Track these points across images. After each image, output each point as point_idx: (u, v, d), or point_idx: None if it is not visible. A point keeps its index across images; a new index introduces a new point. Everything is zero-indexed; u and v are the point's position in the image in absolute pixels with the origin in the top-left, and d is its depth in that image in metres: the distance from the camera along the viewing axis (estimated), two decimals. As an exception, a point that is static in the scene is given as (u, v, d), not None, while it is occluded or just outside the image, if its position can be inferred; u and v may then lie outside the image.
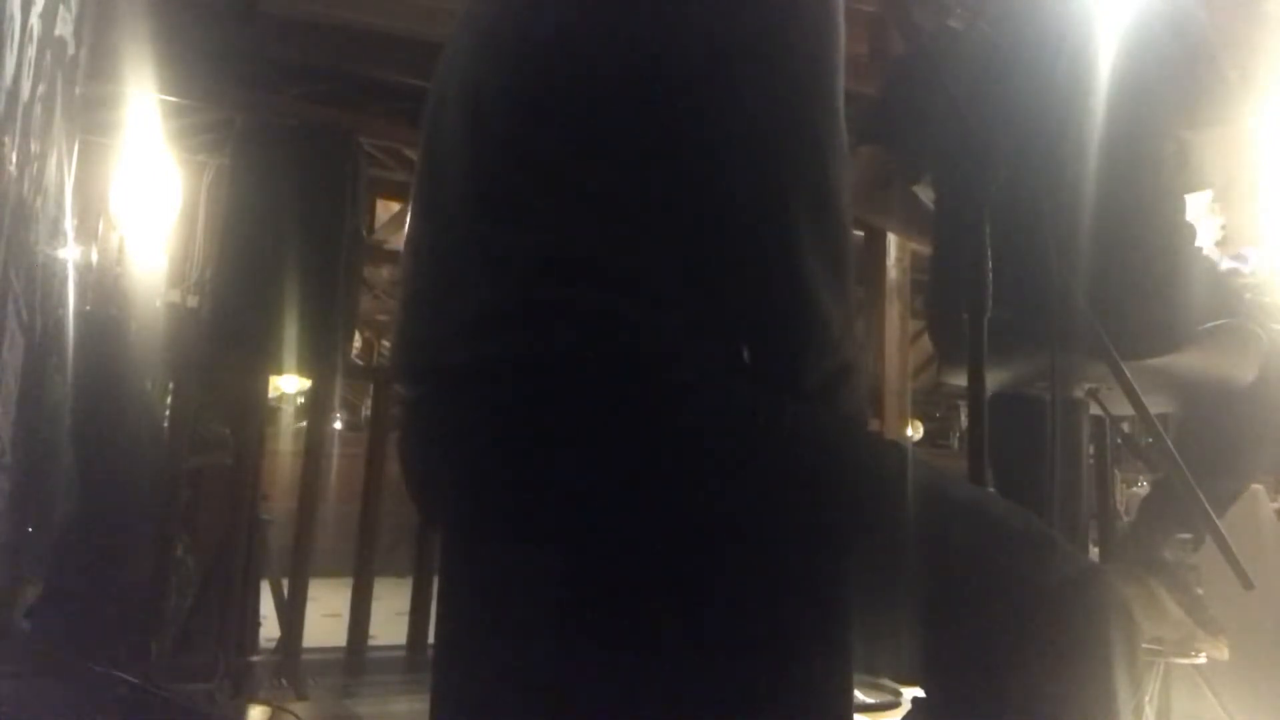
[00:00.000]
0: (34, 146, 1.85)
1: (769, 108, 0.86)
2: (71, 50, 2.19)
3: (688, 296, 0.83)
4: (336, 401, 6.17)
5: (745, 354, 0.84)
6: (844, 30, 0.90)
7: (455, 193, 0.93)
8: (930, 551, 0.82)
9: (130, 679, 2.16)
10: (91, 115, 3.34)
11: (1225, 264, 2.22)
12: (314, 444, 3.44)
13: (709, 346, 0.83)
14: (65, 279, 2.58)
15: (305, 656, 3.09)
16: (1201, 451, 1.66)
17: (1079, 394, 1.65)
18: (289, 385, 3.77)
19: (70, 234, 2.62)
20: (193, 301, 4.09)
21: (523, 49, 0.91)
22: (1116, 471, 2.31)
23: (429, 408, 0.94)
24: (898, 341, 4.02)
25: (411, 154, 3.97)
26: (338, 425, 5.66)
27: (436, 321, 0.92)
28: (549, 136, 0.86)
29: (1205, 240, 2.15)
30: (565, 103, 0.87)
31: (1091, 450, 1.79)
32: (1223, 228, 2.23)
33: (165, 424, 3.10)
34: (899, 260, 4.07)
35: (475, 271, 0.88)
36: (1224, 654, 1.68)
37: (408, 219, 1.05)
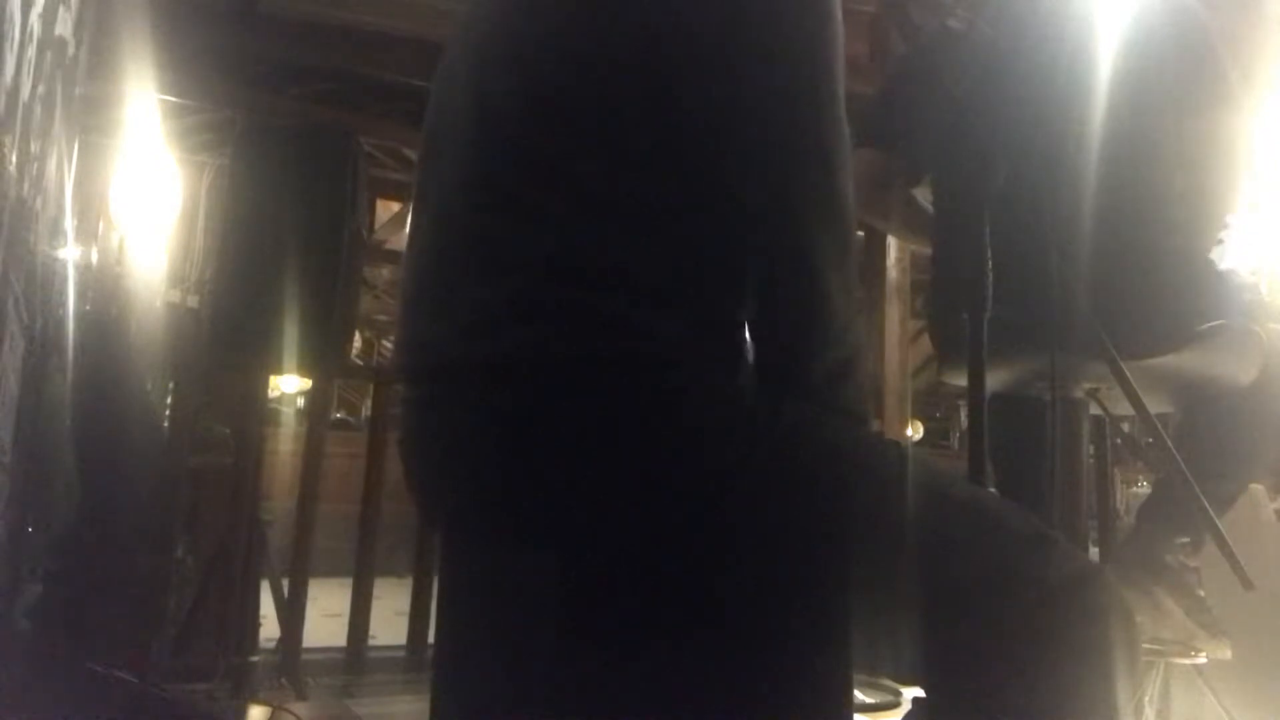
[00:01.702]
0: (34, 146, 1.85)
1: (771, 103, 0.87)
2: (71, 50, 2.19)
3: (691, 296, 0.83)
4: (335, 401, 6.17)
5: (750, 348, 0.84)
6: (842, 27, 0.91)
7: (458, 193, 0.93)
8: (930, 551, 0.82)
9: (130, 679, 2.16)
10: (91, 115, 3.34)
11: (1225, 263, 2.22)
12: (314, 444, 3.44)
13: (711, 346, 0.83)
14: (65, 279, 2.58)
15: (305, 656, 3.09)
16: (1201, 452, 1.66)
17: (1079, 394, 1.65)
18: (289, 385, 3.77)
19: (70, 234, 2.62)
20: (193, 301, 4.09)
21: (526, 51, 0.91)
22: (1116, 471, 2.31)
23: (431, 407, 0.94)
24: (898, 341, 4.02)
25: (411, 154, 3.97)
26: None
27: (439, 321, 0.92)
28: (552, 137, 0.87)
29: (1204, 240, 2.14)
30: (568, 104, 0.87)
31: (1091, 450, 1.78)
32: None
33: (165, 424, 3.09)
34: (899, 260, 4.07)
35: (478, 272, 0.88)
36: (1227, 654, 1.68)
37: (409, 218, 1.05)
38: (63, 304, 2.57)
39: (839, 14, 0.91)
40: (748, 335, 0.86)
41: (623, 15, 0.87)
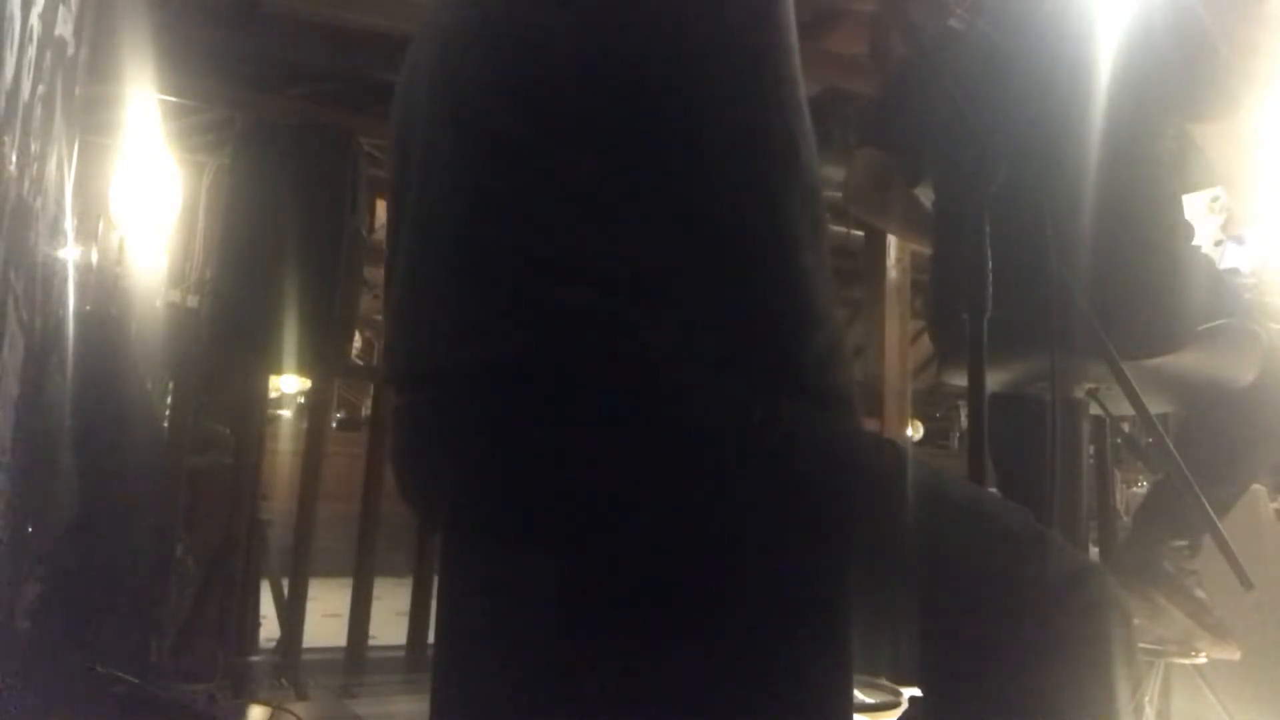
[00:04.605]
0: (34, 146, 1.85)
1: (745, 96, 0.87)
2: (71, 50, 2.19)
3: (682, 294, 0.83)
4: (336, 401, 6.17)
5: (741, 346, 0.83)
6: (794, 17, 0.92)
7: (442, 194, 0.92)
8: (928, 551, 0.82)
9: (130, 679, 2.16)
10: (91, 115, 3.34)
11: (1225, 263, 2.22)
12: (314, 444, 3.44)
13: (704, 344, 0.83)
14: (65, 279, 2.58)
15: (305, 656, 3.09)
16: (1202, 452, 1.66)
17: (1079, 394, 1.65)
18: (289, 385, 3.77)
19: (70, 234, 2.62)
20: (193, 301, 4.09)
21: (499, 44, 0.91)
22: (1116, 471, 2.31)
23: (423, 412, 0.93)
24: (898, 341, 4.02)
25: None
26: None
27: (428, 325, 0.92)
28: (538, 136, 0.86)
29: (1205, 239, 2.15)
30: (554, 102, 0.87)
31: (1091, 450, 1.78)
32: (1222, 227, 2.24)
33: (165, 424, 3.09)
34: (899, 260, 4.07)
35: (466, 273, 0.87)
36: (1235, 655, 1.68)
37: (386, 219, 1.04)
38: (63, 304, 2.57)
39: (792, 9, 0.92)
40: (739, 332, 0.85)
41: (600, 9, 0.87)
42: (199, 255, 4.55)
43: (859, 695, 2.67)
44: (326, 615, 3.68)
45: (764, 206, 0.86)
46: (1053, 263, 1.19)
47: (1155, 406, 1.61)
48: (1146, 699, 1.73)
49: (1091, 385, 1.64)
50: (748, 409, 0.82)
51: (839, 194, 1.86)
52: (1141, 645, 1.65)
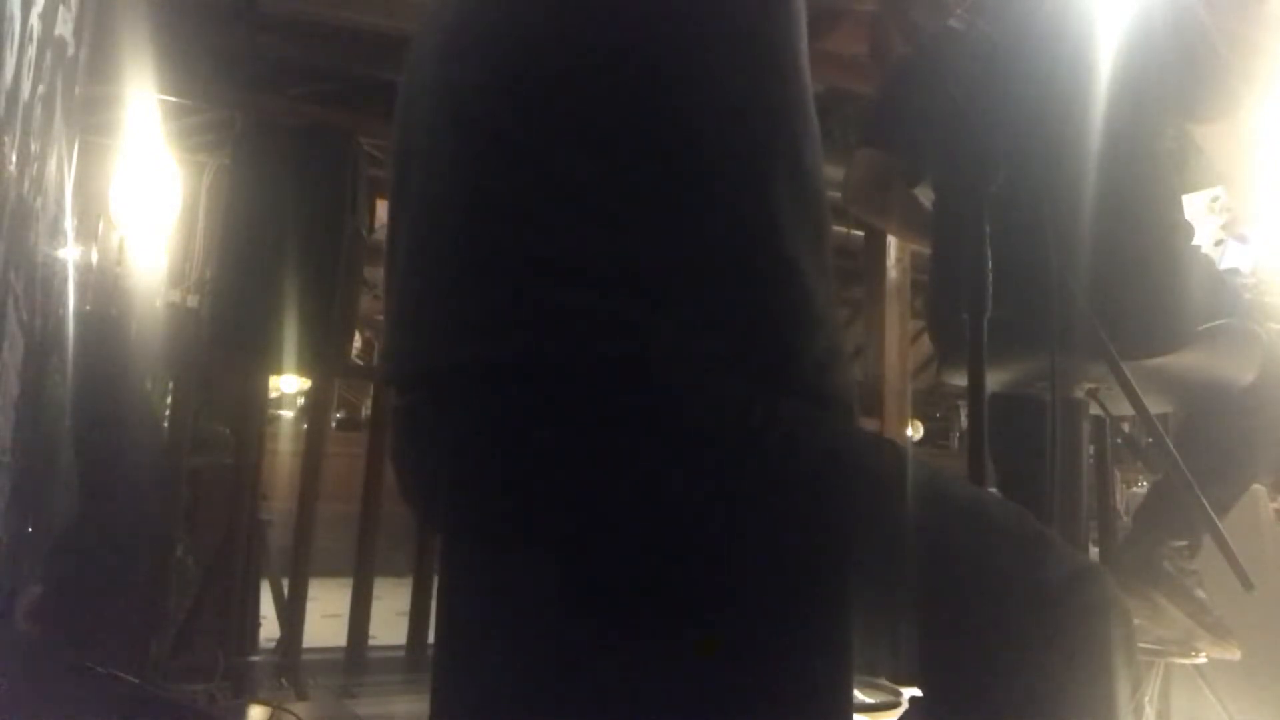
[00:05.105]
0: (34, 146, 1.85)
1: (748, 97, 0.87)
2: (71, 50, 2.19)
3: (681, 294, 0.83)
4: (336, 401, 6.17)
5: (741, 345, 0.83)
6: (805, 16, 0.92)
7: (442, 194, 0.92)
8: (927, 551, 0.82)
9: (130, 679, 2.16)
10: (91, 115, 3.34)
11: (1225, 263, 2.22)
12: (314, 444, 3.44)
13: (703, 344, 0.83)
14: (65, 279, 2.58)
15: (305, 656, 3.09)
16: (1202, 453, 1.66)
17: (1079, 394, 1.65)
18: (289, 385, 3.77)
19: (70, 234, 2.63)
20: (193, 301, 4.09)
21: (499, 44, 0.91)
22: (1116, 471, 2.31)
23: (423, 412, 0.93)
24: (898, 341, 4.02)
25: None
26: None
27: (428, 325, 0.92)
28: (538, 136, 0.86)
29: (1205, 239, 2.14)
30: (554, 102, 0.87)
31: (1091, 450, 1.79)
32: (1223, 228, 2.24)
33: (165, 424, 3.10)
34: (899, 260, 4.06)
35: (466, 273, 0.87)
36: (1235, 654, 1.68)
37: (387, 219, 1.04)
38: (63, 304, 2.58)
39: (803, 8, 0.92)
40: (739, 332, 0.85)
41: (598, 8, 0.87)
42: (199, 255, 4.55)
43: (859, 695, 2.67)
44: (326, 615, 3.68)
45: (765, 207, 0.86)
46: (1053, 263, 1.19)
47: (1155, 406, 1.61)
48: (1146, 699, 1.73)
49: (1091, 385, 1.64)
50: (747, 409, 0.82)
51: (839, 194, 1.86)
52: (1141, 645, 1.65)
